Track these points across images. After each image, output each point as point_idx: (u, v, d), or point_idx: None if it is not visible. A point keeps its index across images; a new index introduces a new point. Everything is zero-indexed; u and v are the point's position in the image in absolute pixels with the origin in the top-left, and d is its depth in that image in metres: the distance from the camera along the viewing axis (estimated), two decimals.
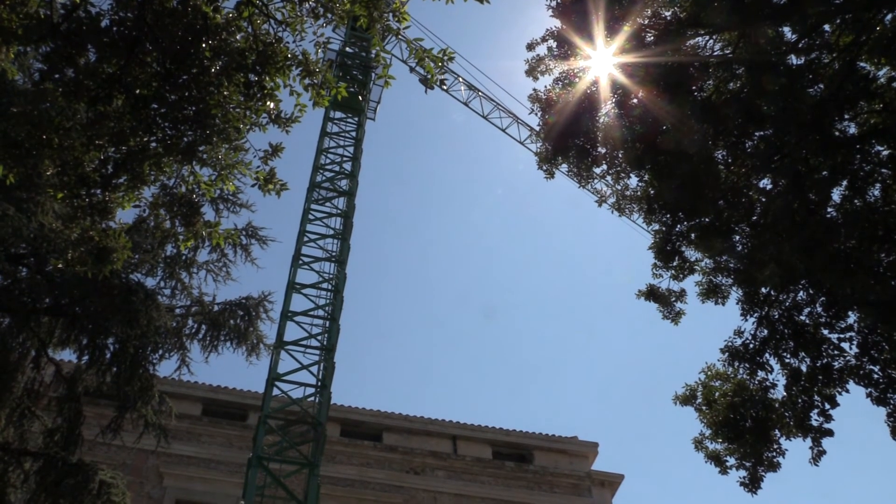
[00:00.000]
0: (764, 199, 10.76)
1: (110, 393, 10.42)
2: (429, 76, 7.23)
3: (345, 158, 21.92)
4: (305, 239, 19.51)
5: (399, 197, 76.34)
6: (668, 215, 11.54)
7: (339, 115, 23.12)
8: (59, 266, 7.68)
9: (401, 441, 23.21)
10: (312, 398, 17.32)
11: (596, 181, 12.48)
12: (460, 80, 25.77)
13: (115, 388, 10.32)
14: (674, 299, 12.38)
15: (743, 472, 11.60)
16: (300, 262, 19.11)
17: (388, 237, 74.80)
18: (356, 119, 23.20)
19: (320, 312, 18.48)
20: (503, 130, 26.02)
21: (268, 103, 6.66)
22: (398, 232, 76.46)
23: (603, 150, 11.44)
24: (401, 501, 21.40)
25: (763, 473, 11.51)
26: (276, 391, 16.97)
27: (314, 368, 17.58)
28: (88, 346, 10.06)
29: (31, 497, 9.29)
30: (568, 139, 11.23)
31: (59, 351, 10.53)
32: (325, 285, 18.99)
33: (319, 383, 17.36)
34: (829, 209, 10.41)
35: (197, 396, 21.87)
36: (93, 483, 9.42)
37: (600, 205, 12.74)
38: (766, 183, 11.04)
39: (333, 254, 19.68)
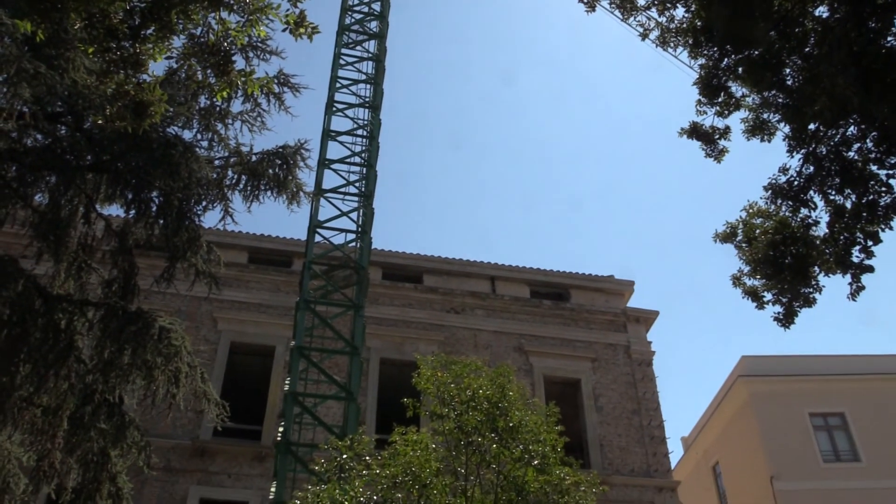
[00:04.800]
0: (820, 29, 10.11)
1: (160, 245, 10.73)
2: None
3: None
4: (338, 85, 19.14)
5: (431, 37, 73.86)
6: (716, 48, 10.99)
7: None
8: (98, 122, 7.68)
9: (440, 283, 23.89)
10: (353, 244, 17.72)
11: (639, 14, 11.82)
12: None
13: (163, 239, 10.61)
14: (717, 137, 12.06)
15: (779, 308, 11.77)
16: (334, 109, 18.87)
17: (421, 79, 73.17)
18: None
19: (357, 159, 18.48)
20: None
21: None
22: (432, 73, 74.66)
23: None
24: (442, 339, 22.35)
25: (798, 309, 11.66)
26: (318, 238, 17.36)
27: (354, 215, 17.86)
28: (134, 201, 10.25)
29: (97, 343, 9.87)
30: None
31: (107, 206, 10.78)
32: (360, 132, 18.85)
33: (360, 229, 17.68)
34: (889, 38, 9.77)
35: (242, 245, 22.55)
36: (153, 329, 9.92)
37: (644, 38, 12.15)
38: (822, 11, 10.35)
39: (367, 99, 19.36)
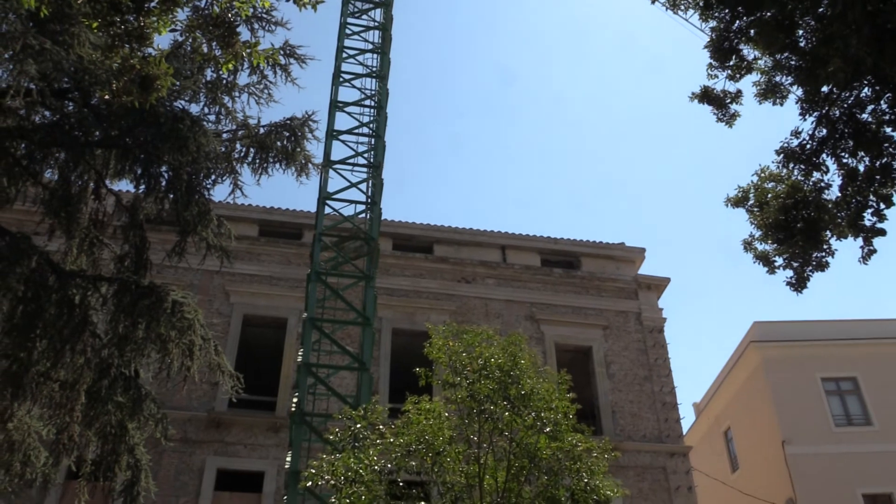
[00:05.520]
0: None
1: (170, 219, 10.76)
2: None
3: None
4: (344, 55, 18.96)
5: (437, 4, 73.03)
6: (727, 10, 10.81)
7: None
8: (106, 98, 7.66)
9: (451, 252, 23.89)
10: (363, 215, 17.69)
11: None
12: None
13: (174, 214, 10.63)
14: (729, 101, 11.92)
15: (790, 273, 11.70)
16: (341, 79, 18.71)
17: (429, 48, 72.52)
18: None
19: (365, 130, 18.37)
20: None
21: None
22: (439, 41, 73.98)
23: None
24: (453, 308, 22.41)
25: (810, 273, 11.59)
26: (327, 209, 17.33)
27: (363, 186, 17.80)
28: (143, 176, 10.25)
29: (112, 318, 9.95)
30: None
31: (117, 181, 10.79)
32: (367, 102, 18.71)
33: (369, 200, 17.64)
34: None
35: (253, 218, 22.60)
36: (166, 303, 9.99)
37: (654, 1, 11.96)
38: None
39: (374, 69, 19.18)
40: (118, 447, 10.40)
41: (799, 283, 11.61)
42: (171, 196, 10.51)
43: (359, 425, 10.99)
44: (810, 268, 11.60)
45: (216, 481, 18.50)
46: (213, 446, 18.85)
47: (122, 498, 10.67)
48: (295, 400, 14.98)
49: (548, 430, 10.55)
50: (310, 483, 10.38)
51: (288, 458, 14.35)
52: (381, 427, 10.94)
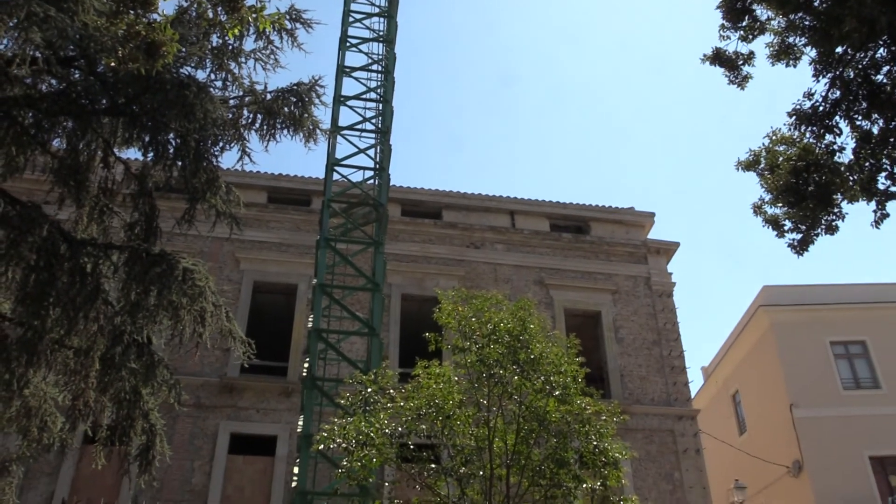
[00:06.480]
0: None
1: (179, 187, 10.74)
2: None
3: None
4: (351, 20, 18.76)
5: None
6: None
7: None
8: (112, 65, 7.61)
9: (460, 218, 23.88)
10: (372, 181, 17.68)
11: None
12: None
13: (182, 181, 10.60)
14: (741, 62, 11.77)
15: (796, 235, 11.64)
16: (347, 44, 18.55)
17: (436, 10, 71.60)
18: None
19: (372, 95, 18.25)
20: None
21: None
22: (448, 3, 72.96)
23: None
24: (462, 274, 22.46)
25: (816, 236, 11.51)
26: (336, 176, 17.33)
27: (371, 152, 17.75)
28: (151, 143, 10.20)
29: (123, 286, 10.00)
30: None
31: (125, 150, 10.74)
32: (374, 67, 18.57)
33: (377, 166, 17.59)
34: None
35: (261, 185, 22.61)
36: (177, 270, 10.01)
37: None
38: None
39: (381, 33, 19.00)
40: (133, 412, 10.54)
41: (801, 246, 11.54)
42: (180, 163, 10.47)
43: (369, 389, 11.13)
44: (817, 231, 11.52)
45: (229, 445, 18.80)
46: (225, 411, 19.12)
47: (137, 461, 10.86)
48: (306, 365, 15.14)
49: (557, 393, 10.65)
50: (322, 446, 10.55)
51: (300, 422, 14.55)
52: (391, 391, 11.08)
